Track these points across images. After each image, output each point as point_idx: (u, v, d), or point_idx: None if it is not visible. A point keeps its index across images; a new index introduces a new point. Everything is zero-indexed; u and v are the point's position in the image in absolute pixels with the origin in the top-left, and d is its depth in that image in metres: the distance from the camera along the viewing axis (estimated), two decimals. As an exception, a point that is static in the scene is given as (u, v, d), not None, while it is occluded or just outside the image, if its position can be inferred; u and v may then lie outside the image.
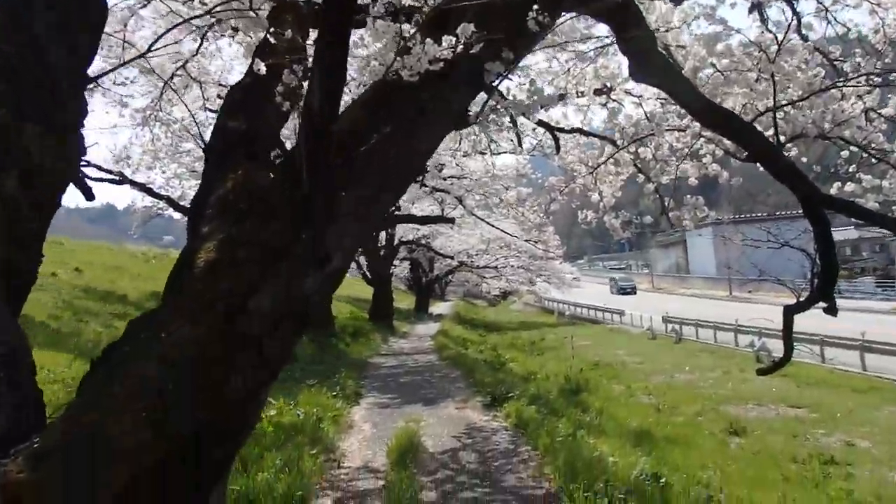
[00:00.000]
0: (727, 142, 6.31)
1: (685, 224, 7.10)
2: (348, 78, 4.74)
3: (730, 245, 61.97)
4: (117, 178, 19.93)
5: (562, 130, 9.59)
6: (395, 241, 33.81)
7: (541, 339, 33.68)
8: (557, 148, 9.34)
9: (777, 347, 22.55)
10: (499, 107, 7.05)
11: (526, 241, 26.16)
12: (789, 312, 6.20)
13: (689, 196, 7.33)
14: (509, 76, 10.36)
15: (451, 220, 23.57)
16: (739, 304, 50.35)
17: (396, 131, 3.83)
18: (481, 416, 10.05)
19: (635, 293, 71.82)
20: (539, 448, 7.59)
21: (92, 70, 3.85)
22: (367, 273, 33.63)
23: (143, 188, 20.12)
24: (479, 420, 9.69)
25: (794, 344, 5.90)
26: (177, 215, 20.96)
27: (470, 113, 6.30)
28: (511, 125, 9.95)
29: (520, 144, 10.68)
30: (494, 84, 4.65)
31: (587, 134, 9.81)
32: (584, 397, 15.49)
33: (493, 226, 23.72)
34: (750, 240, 9.98)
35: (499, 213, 22.07)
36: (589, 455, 7.51)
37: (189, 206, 19.72)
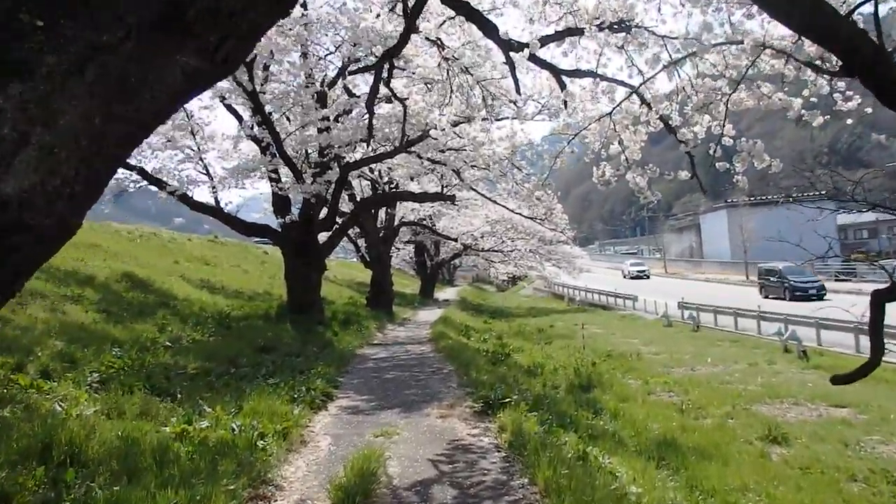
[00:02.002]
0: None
1: (736, 180, 5.34)
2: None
3: (745, 228, 60.37)
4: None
5: (566, 73, 7.71)
6: (396, 222, 31.91)
7: (549, 326, 31.88)
8: (562, 86, 7.47)
9: (807, 336, 20.68)
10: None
11: (530, 218, 24.17)
12: (879, 299, 4.62)
13: (744, 140, 5.52)
14: (501, 8, 8.51)
15: (452, 198, 21.78)
16: (754, 288, 48.55)
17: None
18: (470, 428, 8.17)
19: (648, 278, 68.51)
20: (539, 482, 5.71)
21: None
22: (366, 255, 31.81)
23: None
24: (467, 434, 7.80)
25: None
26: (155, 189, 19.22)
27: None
28: (507, 66, 8.06)
29: (517, 90, 8.75)
30: None
31: (598, 77, 7.89)
32: (597, 395, 13.62)
33: (494, 201, 21.80)
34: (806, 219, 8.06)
35: (503, 189, 20.13)
36: (604, 488, 5.66)
37: (166, 179, 17.86)
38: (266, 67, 18.29)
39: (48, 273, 15.19)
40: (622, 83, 7.16)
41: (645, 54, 7.60)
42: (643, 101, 7.59)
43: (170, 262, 25.14)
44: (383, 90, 12.06)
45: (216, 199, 19.46)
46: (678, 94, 7.10)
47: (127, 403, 7.12)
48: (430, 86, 12.90)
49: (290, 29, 15.03)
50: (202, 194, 19.90)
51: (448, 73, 9.43)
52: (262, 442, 6.62)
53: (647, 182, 6.76)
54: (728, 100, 5.31)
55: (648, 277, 69.32)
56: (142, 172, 18.63)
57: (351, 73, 13.44)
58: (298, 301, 19.07)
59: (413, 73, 12.61)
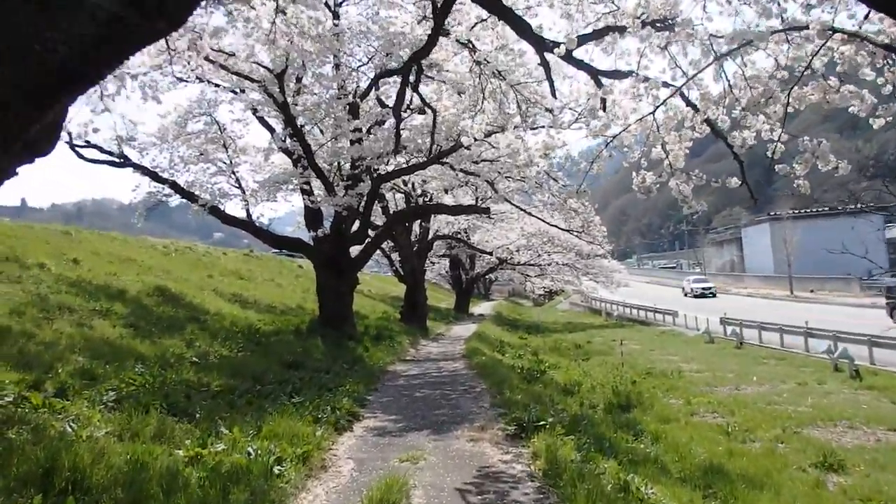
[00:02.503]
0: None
1: (797, 185, 4.81)
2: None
3: (789, 241, 58.94)
4: (118, 159, 18.20)
5: (605, 73, 7.23)
6: (430, 235, 31.53)
7: (587, 341, 31.19)
8: (598, 83, 6.99)
9: (859, 354, 19.73)
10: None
11: (567, 230, 23.49)
12: None
13: (806, 139, 5.00)
14: (536, 7, 8.05)
15: (487, 211, 21.33)
16: (801, 303, 47.38)
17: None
18: (501, 453, 7.67)
19: (715, 296, 59.85)
20: (576, 517, 5.19)
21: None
22: (400, 269, 31.47)
23: (147, 171, 18.36)
24: (498, 460, 7.30)
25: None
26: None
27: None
28: (542, 67, 7.60)
29: (553, 93, 8.28)
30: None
31: (639, 77, 7.39)
32: (637, 416, 13.04)
33: (529, 213, 21.26)
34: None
35: (538, 201, 19.59)
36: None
37: (198, 193, 17.73)
38: (299, 80, 18.12)
39: (79, 287, 15.12)
40: (666, 84, 6.65)
41: (690, 54, 7.10)
42: (688, 103, 7.09)
43: (203, 276, 25.04)
44: (414, 100, 11.67)
45: (248, 212, 19.30)
46: (726, 97, 6.59)
47: (141, 424, 6.77)
48: (461, 94, 12.49)
49: (322, 39, 14.82)
50: (235, 208, 19.86)
51: (480, 78, 9.01)
52: (279, 468, 6.21)
53: (692, 190, 6.24)
54: (790, 94, 4.78)
55: (715, 296, 59.86)
56: (174, 186, 18.56)
57: (378, 76, 13.02)
58: (330, 316, 18.75)
59: (444, 81, 12.19)
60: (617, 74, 7.20)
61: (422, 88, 12.12)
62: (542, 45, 7.12)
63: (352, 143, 16.56)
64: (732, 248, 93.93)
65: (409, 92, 12.28)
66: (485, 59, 8.47)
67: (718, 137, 7.10)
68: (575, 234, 24.01)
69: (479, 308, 55.69)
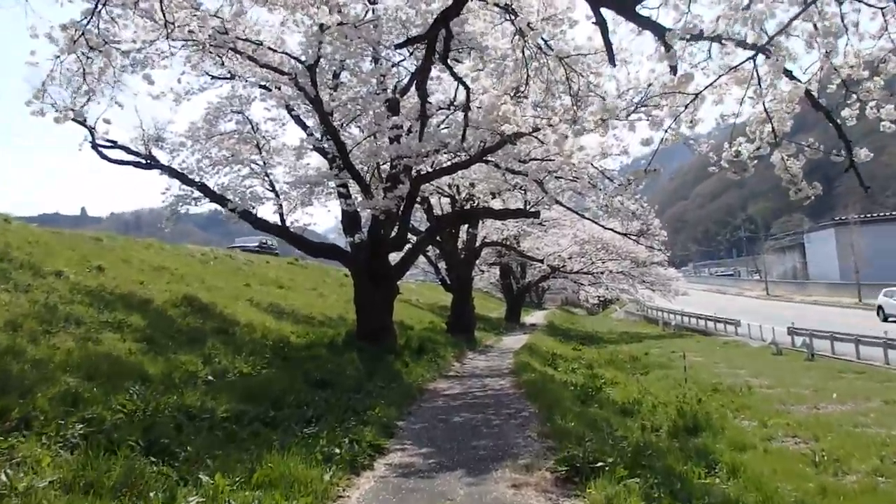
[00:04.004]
0: None
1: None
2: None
3: (857, 247, 55.93)
4: (145, 160, 17.29)
5: (677, 35, 5.72)
6: (478, 242, 30.07)
7: (644, 353, 29.32)
8: (667, 46, 5.51)
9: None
10: None
11: (624, 234, 21.68)
12: None
13: None
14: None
15: (536, 214, 19.82)
16: (871, 311, 44.57)
17: None
18: (550, 507, 6.18)
19: None
20: None
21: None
22: (446, 278, 30.11)
23: (175, 173, 17.39)
24: (545, 520, 5.81)
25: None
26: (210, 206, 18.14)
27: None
28: (599, 28, 6.12)
29: (612, 61, 6.78)
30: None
31: (720, 40, 5.90)
32: (707, 441, 11.32)
33: (582, 216, 19.64)
34: None
35: (591, 202, 17.95)
36: None
37: (230, 196, 16.67)
38: (336, 75, 16.96)
39: (96, 296, 14.06)
40: (747, 45, 5.16)
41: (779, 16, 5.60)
42: (786, 72, 5.56)
43: (240, 284, 24.02)
44: (449, 87, 10.25)
45: (281, 216, 18.15)
46: (822, 68, 5.07)
47: (103, 470, 5.48)
48: (500, 75, 11.00)
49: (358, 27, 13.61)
50: (269, 213, 18.81)
51: (524, 53, 7.57)
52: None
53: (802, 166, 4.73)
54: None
55: None
56: (203, 188, 17.52)
57: (398, 46, 11.63)
58: (367, 328, 17.47)
59: (481, 57, 10.73)
60: (693, 36, 5.72)
61: (457, 68, 10.70)
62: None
63: (391, 141, 15.30)
64: (794, 254, 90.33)
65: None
66: (528, 26, 7.05)
67: (819, 110, 5.55)
68: (632, 238, 22.17)
69: (532, 317, 54.10)
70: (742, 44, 5.49)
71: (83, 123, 16.64)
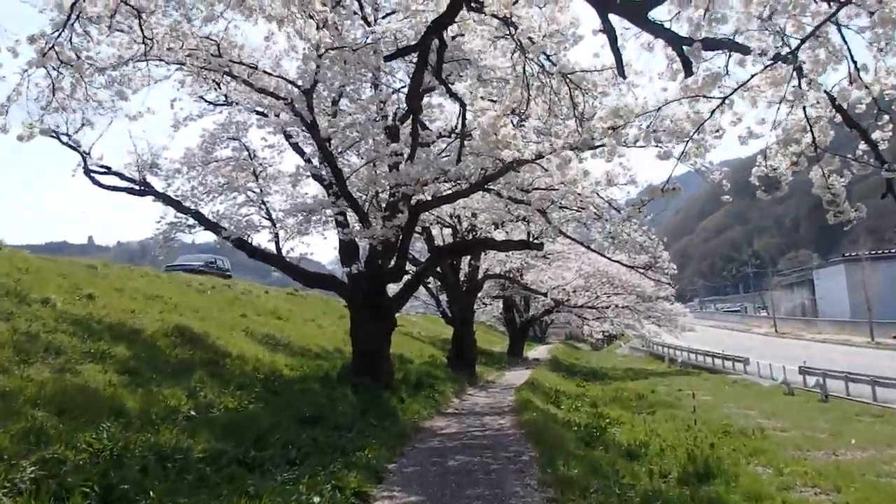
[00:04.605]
0: None
1: None
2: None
3: (869, 284, 55.11)
4: (139, 187, 16.85)
5: (695, 43, 5.22)
6: (480, 275, 29.48)
7: (650, 391, 28.54)
8: (688, 71, 5.00)
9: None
10: None
11: (631, 267, 21.01)
12: None
13: None
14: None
15: (540, 246, 19.27)
16: (886, 350, 43.78)
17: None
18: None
19: None
20: None
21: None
22: (447, 310, 29.49)
23: (169, 200, 16.94)
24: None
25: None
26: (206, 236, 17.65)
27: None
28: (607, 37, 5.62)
29: (621, 73, 6.25)
30: None
31: (741, 50, 5.40)
32: (719, 491, 10.60)
33: (588, 247, 19.06)
34: None
35: (598, 232, 17.36)
36: None
37: (226, 225, 16.19)
38: (335, 102, 16.56)
39: (82, 325, 13.50)
40: (780, 56, 4.64)
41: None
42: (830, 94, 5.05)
43: (236, 315, 23.43)
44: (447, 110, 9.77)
45: (277, 245, 17.63)
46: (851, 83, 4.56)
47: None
48: (494, 100, 10.47)
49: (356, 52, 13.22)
50: (266, 242, 18.27)
51: (525, 70, 7.06)
52: None
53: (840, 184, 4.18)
54: None
55: None
56: (198, 216, 17.04)
57: (388, 58, 11.15)
58: (363, 361, 16.84)
59: (480, 77, 10.22)
60: (713, 44, 5.21)
61: (455, 87, 10.19)
62: (603, 4, 5.20)
63: (390, 168, 14.83)
64: (803, 291, 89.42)
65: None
66: (528, 39, 6.54)
67: (853, 128, 5.02)
68: (639, 271, 21.54)
69: (535, 352, 53.32)
70: (778, 57, 4.99)
71: (75, 148, 16.25)
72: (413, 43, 9.70)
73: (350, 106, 16.96)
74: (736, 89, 4.08)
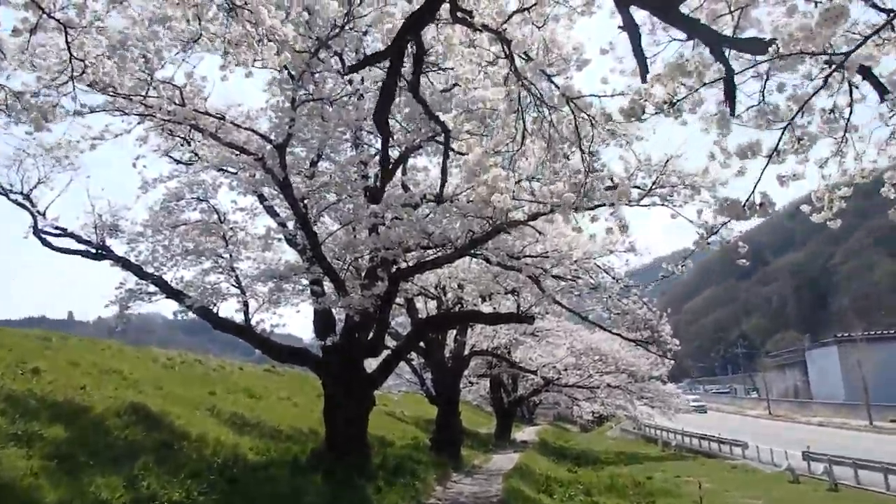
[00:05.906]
0: None
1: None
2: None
3: (864, 365, 53.67)
4: (95, 250, 15.55)
5: (735, 43, 4.05)
6: (466, 351, 27.97)
7: (647, 477, 26.80)
8: (723, 61, 3.82)
9: None
10: None
11: (632, 340, 19.55)
12: None
13: None
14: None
15: (530, 320, 17.94)
16: (886, 435, 42.25)
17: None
18: None
19: None
20: None
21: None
22: (431, 389, 27.85)
23: (129, 265, 15.59)
24: None
25: None
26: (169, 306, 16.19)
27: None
28: (628, 34, 4.44)
29: (643, 77, 5.09)
30: None
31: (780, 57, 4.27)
32: None
33: (585, 318, 17.72)
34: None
35: (596, 301, 16.04)
36: None
37: (191, 293, 14.88)
38: (314, 163, 15.48)
39: (13, 403, 11.96)
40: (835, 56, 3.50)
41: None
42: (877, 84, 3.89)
43: (204, 392, 21.76)
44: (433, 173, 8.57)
45: (246, 315, 16.17)
46: None
47: None
48: (487, 127, 9.31)
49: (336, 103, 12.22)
50: (233, 312, 16.77)
51: (519, 100, 5.91)
52: None
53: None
54: None
55: None
56: (159, 283, 15.64)
57: (352, 69, 9.96)
58: (336, 444, 15.24)
59: (466, 107, 9.07)
60: (752, 45, 4.06)
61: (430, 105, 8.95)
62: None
63: (370, 232, 13.61)
64: (795, 372, 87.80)
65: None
66: (524, 55, 5.43)
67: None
68: (641, 344, 20.09)
69: (523, 433, 51.27)
70: (829, 62, 3.84)
71: (26, 207, 15.04)
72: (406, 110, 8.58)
73: (329, 168, 15.87)
74: (812, 96, 2.84)
